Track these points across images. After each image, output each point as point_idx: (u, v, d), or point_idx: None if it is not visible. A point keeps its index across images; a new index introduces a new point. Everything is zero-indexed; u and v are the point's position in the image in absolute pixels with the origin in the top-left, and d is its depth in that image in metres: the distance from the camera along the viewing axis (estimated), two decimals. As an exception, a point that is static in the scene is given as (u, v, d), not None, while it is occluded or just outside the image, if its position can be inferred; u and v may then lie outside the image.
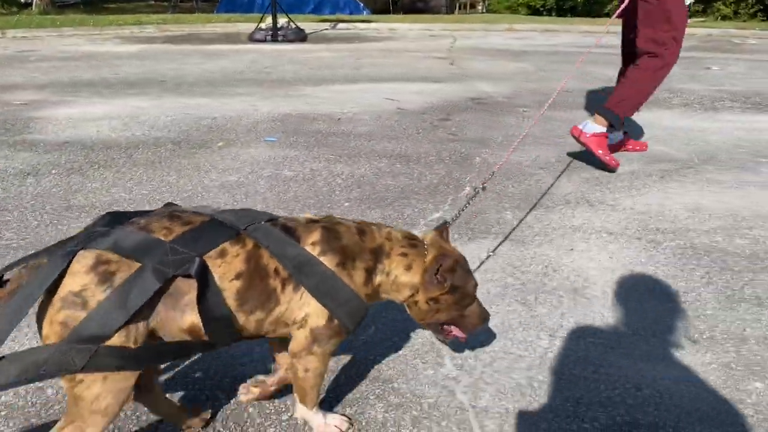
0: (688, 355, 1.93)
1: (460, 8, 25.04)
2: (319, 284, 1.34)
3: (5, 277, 1.19)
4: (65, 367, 1.13)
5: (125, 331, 1.18)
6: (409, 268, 1.47)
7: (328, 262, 1.36)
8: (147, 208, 2.86)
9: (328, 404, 1.66)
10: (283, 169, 3.68)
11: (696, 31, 11.95)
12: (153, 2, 23.74)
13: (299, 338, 1.39)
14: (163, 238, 1.23)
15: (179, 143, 4.18)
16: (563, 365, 1.87)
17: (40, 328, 1.19)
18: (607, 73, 7.07)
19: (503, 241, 2.70)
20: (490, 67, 7.59)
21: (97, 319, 1.15)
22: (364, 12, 21.39)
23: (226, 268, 1.27)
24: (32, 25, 11.41)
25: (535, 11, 25.24)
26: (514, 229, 2.84)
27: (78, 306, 1.15)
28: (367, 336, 1.98)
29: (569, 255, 2.59)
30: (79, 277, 1.16)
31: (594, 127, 3.60)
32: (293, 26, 10.32)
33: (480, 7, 25.84)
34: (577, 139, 3.65)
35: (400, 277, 1.47)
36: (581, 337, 2.01)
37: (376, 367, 1.84)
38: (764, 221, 2.97)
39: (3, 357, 1.12)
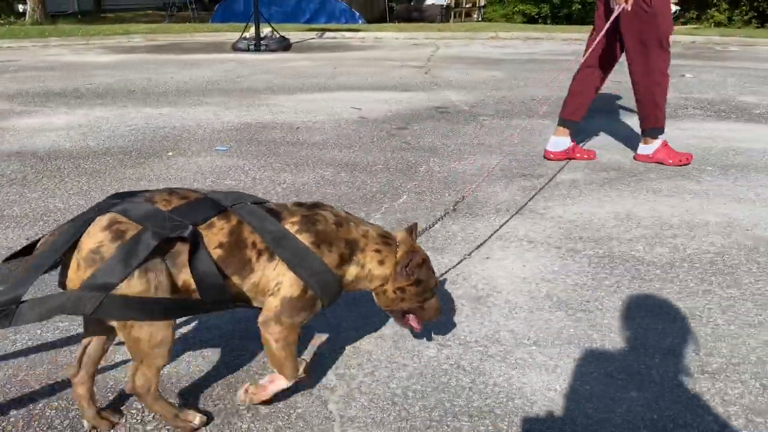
0: (575, 365, 1.93)
1: (455, 17, 25.15)
2: (293, 255, 1.52)
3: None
4: (79, 310, 1.36)
5: (145, 283, 1.38)
6: (382, 263, 1.67)
7: (304, 239, 1.55)
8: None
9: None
10: (225, 178, 3.71)
11: (681, 38, 11.96)
12: (151, 12, 23.89)
13: (269, 305, 1.54)
14: (162, 208, 1.45)
15: (130, 153, 4.21)
16: (444, 375, 1.87)
17: (62, 285, 1.43)
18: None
19: (423, 250, 2.71)
20: (464, 75, 7.62)
21: (106, 271, 1.35)
22: (360, 21, 21.55)
23: (212, 237, 1.48)
24: (21, 35, 11.51)
25: (530, 19, 25.34)
26: (427, 233, 2.85)
27: (94, 261, 1.37)
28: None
29: (483, 263, 2.60)
30: (95, 236, 1.38)
31: (647, 148, 3.97)
32: (277, 36, 10.37)
33: (476, 16, 25.94)
34: (648, 161, 3.98)
35: (374, 270, 1.67)
36: (470, 347, 2.02)
37: (255, 377, 1.85)
38: (690, 229, 2.98)
39: (26, 301, 1.34)
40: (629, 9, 3.51)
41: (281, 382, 1.62)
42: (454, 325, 2.14)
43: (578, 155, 4.08)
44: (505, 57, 9.50)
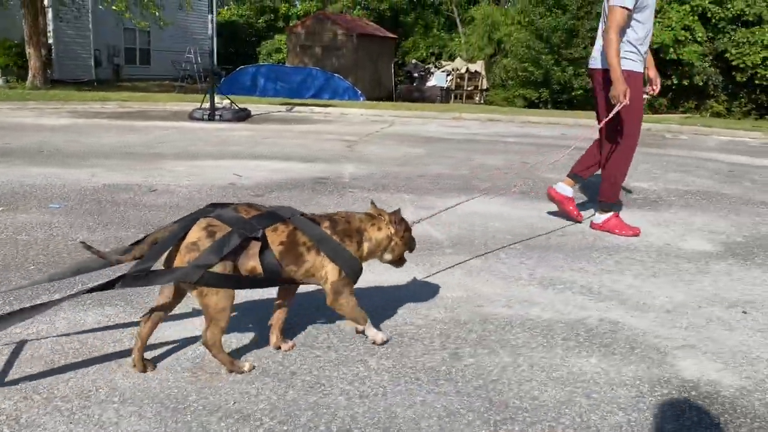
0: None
1: (456, 99, 25.74)
2: (332, 250, 2.21)
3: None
4: (188, 278, 2.00)
5: (222, 265, 2.03)
6: (379, 229, 2.39)
7: (335, 238, 2.25)
8: None
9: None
10: (22, 233, 3.75)
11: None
12: (167, 82, 24.95)
13: (327, 291, 2.26)
14: (244, 216, 2.12)
15: (-37, 205, 4.31)
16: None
17: (168, 265, 2.06)
18: (486, 161, 7.13)
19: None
20: (387, 151, 7.69)
21: (206, 256, 2.00)
22: (361, 98, 22.23)
23: (275, 237, 2.14)
24: (2, 97, 12.13)
25: (531, 104, 25.78)
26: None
27: (194, 250, 2.02)
28: None
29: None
30: (195, 233, 2.04)
31: (601, 216, 4.32)
32: (235, 107, 10.72)
33: (478, 98, 26.48)
34: (599, 229, 4.31)
35: (377, 236, 2.38)
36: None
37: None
38: (415, 307, 2.86)
39: (154, 270, 2.03)
40: (629, 104, 3.88)
41: (361, 328, 2.44)
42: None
43: (570, 208, 4.44)
44: (447, 136, 9.61)
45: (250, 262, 2.10)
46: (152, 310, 2.18)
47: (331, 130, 9.85)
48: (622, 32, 3.92)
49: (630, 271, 3.50)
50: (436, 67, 26.77)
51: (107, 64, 25.28)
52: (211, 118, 10.19)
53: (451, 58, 29.22)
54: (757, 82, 21.33)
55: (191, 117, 10.37)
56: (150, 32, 27.06)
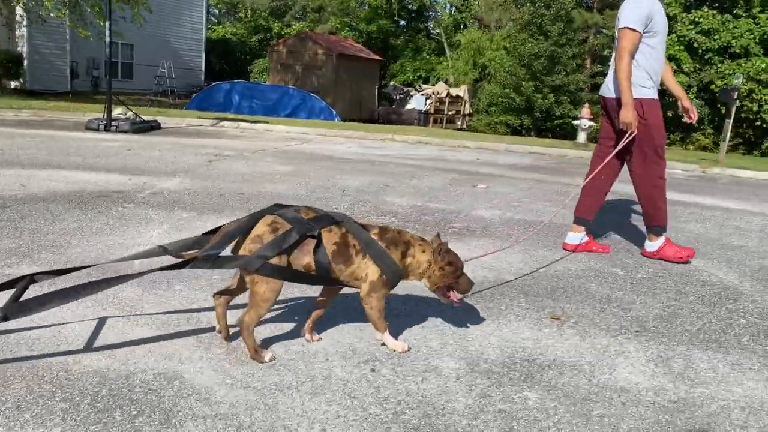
0: None
1: (436, 123, 25.12)
2: (377, 254, 2.33)
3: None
4: (250, 266, 2.19)
5: (279, 258, 2.23)
6: (423, 251, 2.46)
7: (382, 244, 2.37)
8: None
9: None
10: None
11: (549, 150, 11.21)
12: (148, 96, 24.70)
13: (364, 287, 2.36)
14: (304, 217, 2.30)
15: None
16: None
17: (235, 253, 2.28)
18: (347, 182, 6.45)
19: None
20: (249, 168, 7.03)
21: (266, 249, 2.20)
22: (336, 119, 21.72)
23: (329, 238, 2.31)
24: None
25: (514, 130, 25.10)
26: None
27: (258, 242, 2.23)
28: None
29: None
30: (260, 228, 2.25)
31: (652, 245, 4.18)
32: (137, 118, 10.20)
33: (459, 123, 25.84)
34: (652, 257, 4.18)
35: (419, 257, 2.45)
36: None
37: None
38: None
39: (222, 256, 2.25)
40: (636, 132, 3.86)
41: (379, 335, 2.49)
42: None
43: (594, 248, 4.27)
44: (348, 156, 8.93)
45: (306, 258, 2.27)
46: (222, 291, 2.48)
47: (225, 145, 9.22)
48: (632, 57, 3.83)
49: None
50: (416, 90, 26.22)
51: (86, 77, 25.15)
52: (107, 128, 9.66)
53: (444, 82, 28.73)
54: (743, 115, 20.37)
55: (87, 127, 9.85)
56: (133, 46, 27.03)
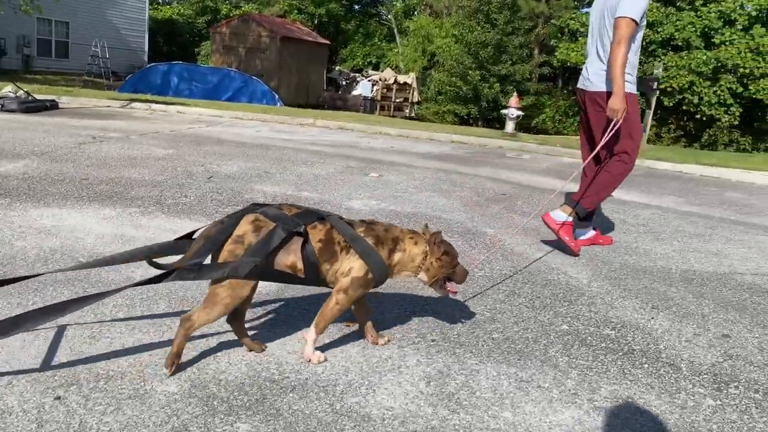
0: None
1: (383, 110, 24.60)
2: (363, 249, 2.23)
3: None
4: (239, 273, 2.05)
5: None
6: (416, 243, 2.38)
7: (369, 240, 2.27)
8: None
9: None
10: None
11: (472, 140, 10.90)
12: (75, 78, 23.59)
13: (342, 282, 2.23)
14: (287, 213, 2.20)
15: None
16: None
17: (215, 258, 2.10)
18: (223, 168, 5.95)
19: None
20: (120, 151, 6.46)
21: (255, 252, 2.07)
22: (278, 103, 21.05)
23: (315, 234, 2.20)
24: None
25: (462, 119, 24.81)
26: None
27: (239, 243, 2.09)
28: None
29: None
30: (243, 227, 2.11)
31: (560, 215, 3.99)
32: (29, 97, 9.50)
33: (407, 111, 25.38)
34: (548, 225, 4.00)
35: (412, 250, 2.37)
36: None
37: None
38: None
39: (206, 264, 2.07)
40: (629, 124, 3.85)
41: (311, 335, 2.28)
42: None
43: (600, 241, 4.32)
44: (247, 140, 8.41)
45: (291, 257, 2.15)
46: (233, 313, 2.26)
47: (115, 126, 8.59)
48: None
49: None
50: (363, 76, 25.67)
51: (16, 54, 23.92)
52: (-9, 107, 8.94)
53: (393, 68, 28.20)
54: (684, 107, 20.45)
55: (-31, 105, 9.11)
56: (69, 24, 25.84)
